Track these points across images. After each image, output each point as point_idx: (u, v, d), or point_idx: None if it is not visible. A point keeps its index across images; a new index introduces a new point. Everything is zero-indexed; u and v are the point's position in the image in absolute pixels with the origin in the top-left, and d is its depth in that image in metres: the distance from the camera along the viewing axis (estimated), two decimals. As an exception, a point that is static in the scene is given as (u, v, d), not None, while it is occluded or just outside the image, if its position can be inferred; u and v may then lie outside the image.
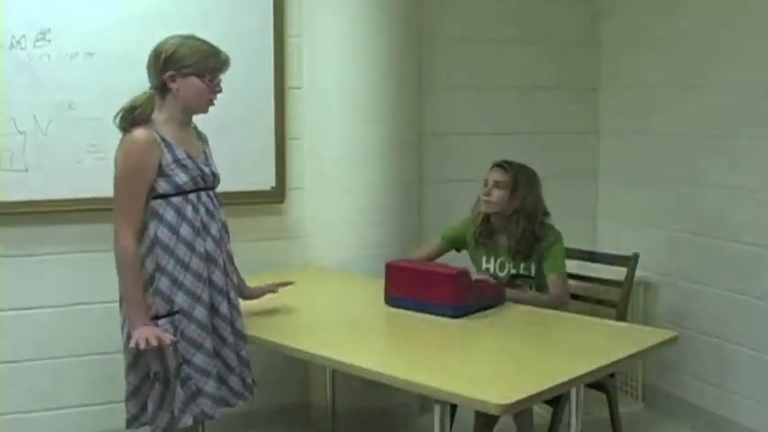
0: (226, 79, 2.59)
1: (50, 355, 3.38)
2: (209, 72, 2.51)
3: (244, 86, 3.49)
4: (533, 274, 3.14)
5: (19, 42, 3.18)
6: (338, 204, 3.62)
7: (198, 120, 2.63)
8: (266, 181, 3.63)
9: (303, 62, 3.65)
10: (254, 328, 2.71)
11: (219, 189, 2.64)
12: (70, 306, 3.37)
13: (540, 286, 3.16)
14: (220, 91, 2.56)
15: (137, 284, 2.41)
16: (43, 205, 3.25)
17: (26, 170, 3.22)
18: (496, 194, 3.13)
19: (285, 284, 2.92)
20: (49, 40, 3.21)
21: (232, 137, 3.48)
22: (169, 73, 2.46)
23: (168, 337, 2.38)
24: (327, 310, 3.09)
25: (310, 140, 3.69)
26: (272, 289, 2.89)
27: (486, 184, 3.16)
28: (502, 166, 3.16)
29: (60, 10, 3.23)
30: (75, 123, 3.24)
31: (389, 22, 3.55)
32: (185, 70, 2.47)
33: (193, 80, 2.48)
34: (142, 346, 2.34)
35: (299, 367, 3.67)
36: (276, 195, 3.66)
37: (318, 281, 3.56)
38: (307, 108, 3.67)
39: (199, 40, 2.53)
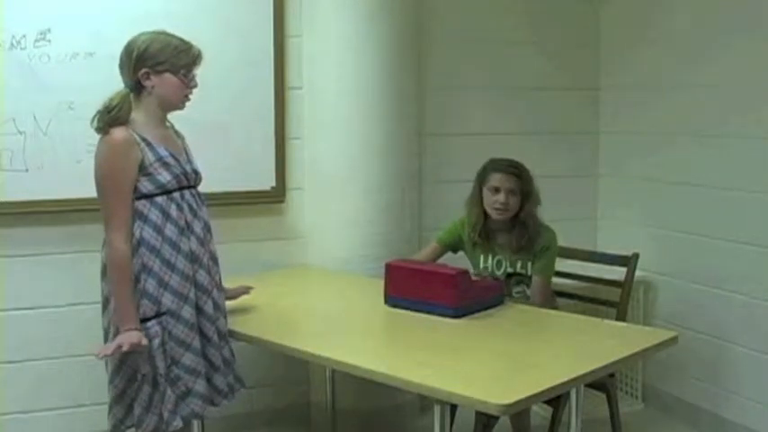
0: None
1: (50, 355, 3.38)
2: (183, 67, 2.49)
3: (244, 86, 3.50)
4: (529, 272, 3.14)
5: (19, 42, 3.18)
6: (338, 204, 3.62)
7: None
8: (266, 181, 3.63)
9: (303, 62, 3.65)
10: (255, 329, 2.71)
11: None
12: (69, 306, 3.37)
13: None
14: (195, 86, 2.54)
15: (131, 289, 2.39)
16: (43, 205, 3.25)
17: (26, 170, 3.22)
18: (513, 201, 3.08)
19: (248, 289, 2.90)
20: (49, 40, 3.21)
21: (232, 137, 3.49)
22: (143, 70, 2.44)
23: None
24: (327, 310, 3.09)
25: (310, 140, 3.68)
26: (245, 291, 2.87)
27: (496, 191, 3.09)
28: (514, 173, 3.09)
29: (60, 10, 3.23)
30: (75, 123, 3.23)
31: (389, 22, 3.55)
32: (159, 67, 2.45)
33: (168, 76, 2.46)
34: (125, 348, 2.32)
35: (299, 367, 3.67)
36: (276, 195, 3.66)
37: (318, 281, 3.56)
38: (307, 108, 3.67)
39: (170, 35, 2.50)
